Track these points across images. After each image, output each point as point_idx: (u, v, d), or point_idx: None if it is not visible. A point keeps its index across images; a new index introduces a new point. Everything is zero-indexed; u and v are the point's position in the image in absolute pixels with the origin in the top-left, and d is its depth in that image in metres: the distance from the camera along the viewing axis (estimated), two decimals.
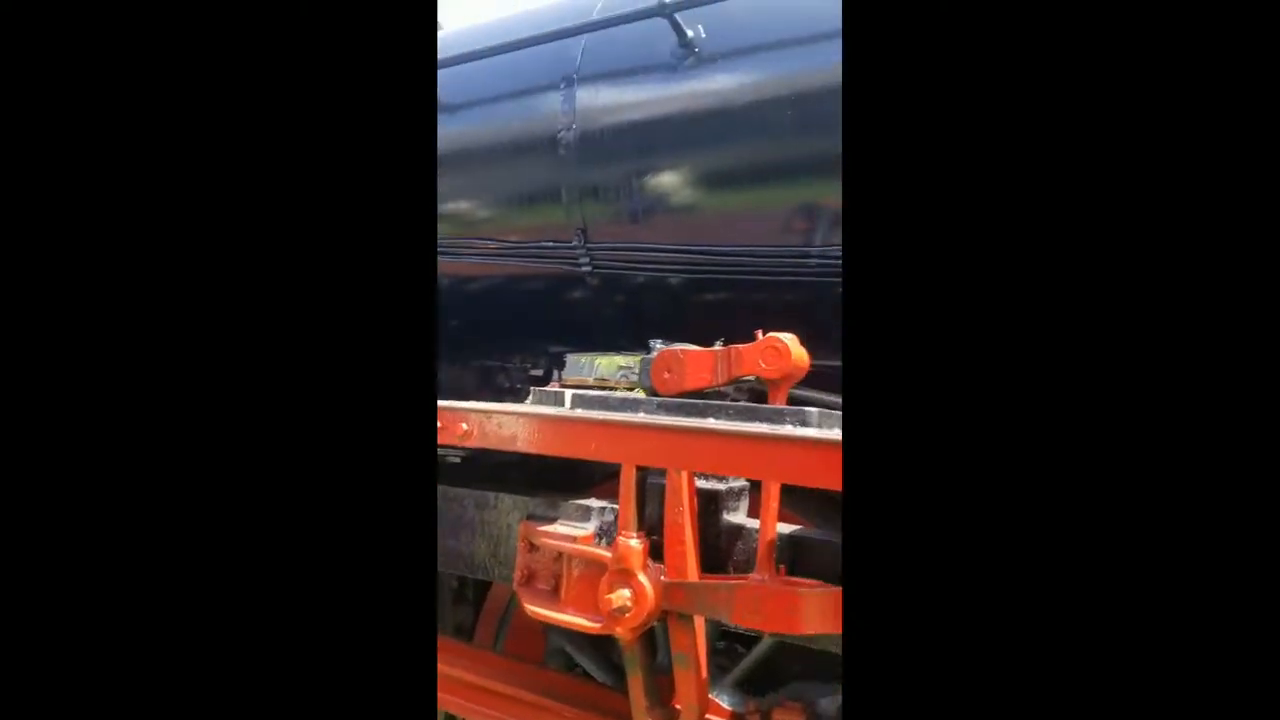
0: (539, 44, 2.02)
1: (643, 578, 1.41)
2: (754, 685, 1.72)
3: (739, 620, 1.37)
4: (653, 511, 1.51)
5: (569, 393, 1.68)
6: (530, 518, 1.62)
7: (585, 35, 1.99)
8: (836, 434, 1.33)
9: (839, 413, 1.45)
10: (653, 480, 1.54)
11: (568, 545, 1.51)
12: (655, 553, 1.47)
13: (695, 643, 1.46)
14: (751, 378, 1.53)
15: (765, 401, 1.53)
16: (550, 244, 2.08)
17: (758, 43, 1.79)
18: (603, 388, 2.08)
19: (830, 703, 1.62)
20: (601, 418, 1.46)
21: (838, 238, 1.75)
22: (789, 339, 1.50)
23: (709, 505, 1.54)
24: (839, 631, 1.35)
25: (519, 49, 2.06)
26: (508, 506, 1.73)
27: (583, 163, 1.97)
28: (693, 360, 1.56)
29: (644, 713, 1.50)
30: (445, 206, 2.19)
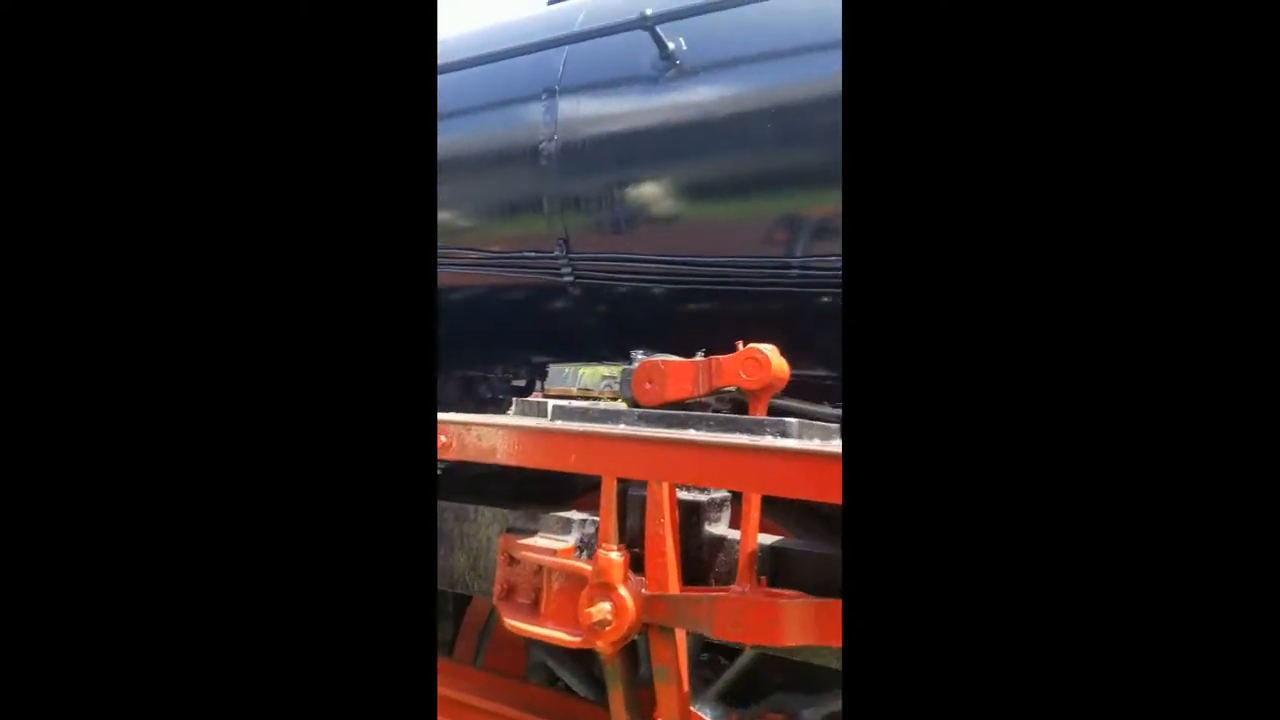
0: (521, 55, 2.03)
1: (623, 591, 1.39)
2: (736, 698, 1.71)
3: (720, 633, 1.36)
4: (634, 523, 1.50)
5: (552, 403, 1.67)
6: (510, 530, 1.61)
7: (567, 47, 2.00)
8: (816, 444, 1.33)
9: (819, 423, 1.46)
10: (634, 492, 1.53)
11: (548, 558, 1.50)
12: (637, 565, 1.46)
13: (677, 656, 1.45)
14: (733, 388, 1.53)
15: (747, 412, 1.53)
16: (532, 254, 2.07)
17: (738, 56, 1.81)
18: (587, 397, 2.07)
19: (813, 714, 1.61)
20: (581, 429, 1.45)
21: (818, 249, 1.76)
22: (769, 350, 1.51)
23: (690, 517, 1.53)
24: (820, 643, 1.35)
25: (501, 60, 2.07)
26: (487, 519, 1.71)
27: (564, 173, 1.98)
28: (674, 371, 1.56)
29: None
30: None
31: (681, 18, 1.80)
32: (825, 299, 1.82)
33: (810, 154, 1.74)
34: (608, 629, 1.38)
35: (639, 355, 1.62)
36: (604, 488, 1.45)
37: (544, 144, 1.98)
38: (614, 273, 1.96)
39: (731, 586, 1.40)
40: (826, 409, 2.28)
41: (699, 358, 1.56)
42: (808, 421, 1.41)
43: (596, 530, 1.49)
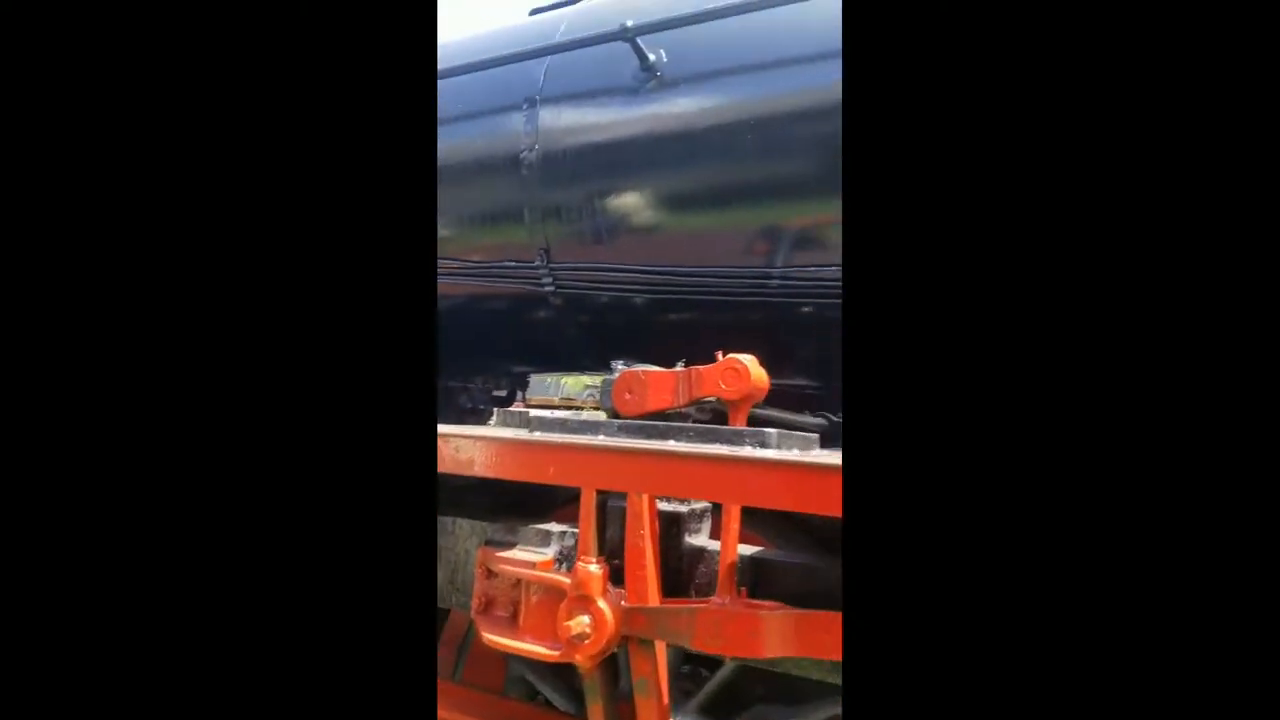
0: (502, 65, 2.03)
1: (602, 603, 1.38)
2: (717, 710, 1.70)
3: (700, 645, 1.36)
4: (614, 535, 1.49)
5: (533, 412, 1.66)
6: (488, 543, 1.59)
7: (548, 57, 2.00)
8: (795, 455, 1.33)
9: (798, 434, 1.46)
10: (614, 503, 1.52)
11: (526, 571, 1.48)
12: (616, 577, 1.45)
13: (656, 668, 1.44)
14: (712, 398, 1.53)
15: (727, 422, 1.53)
16: (513, 264, 2.06)
17: (719, 68, 1.82)
18: (569, 407, 2.06)
19: None
20: (560, 441, 1.44)
21: (798, 259, 1.77)
22: (749, 360, 1.51)
23: (671, 528, 1.52)
24: (801, 654, 1.35)
25: (482, 69, 2.06)
26: (465, 532, 1.69)
27: (545, 183, 1.97)
28: (654, 381, 1.55)
29: None
30: None
31: (662, 30, 1.81)
32: (805, 309, 1.83)
33: (790, 166, 1.75)
34: (586, 642, 1.37)
35: (619, 365, 1.61)
36: (583, 499, 1.45)
37: (525, 154, 1.98)
38: (595, 283, 1.95)
39: (712, 598, 1.39)
40: (808, 418, 2.29)
41: (679, 368, 1.56)
42: (787, 432, 1.41)
43: (576, 542, 1.48)
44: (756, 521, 1.63)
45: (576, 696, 1.83)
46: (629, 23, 1.80)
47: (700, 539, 1.56)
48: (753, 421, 1.57)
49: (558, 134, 1.95)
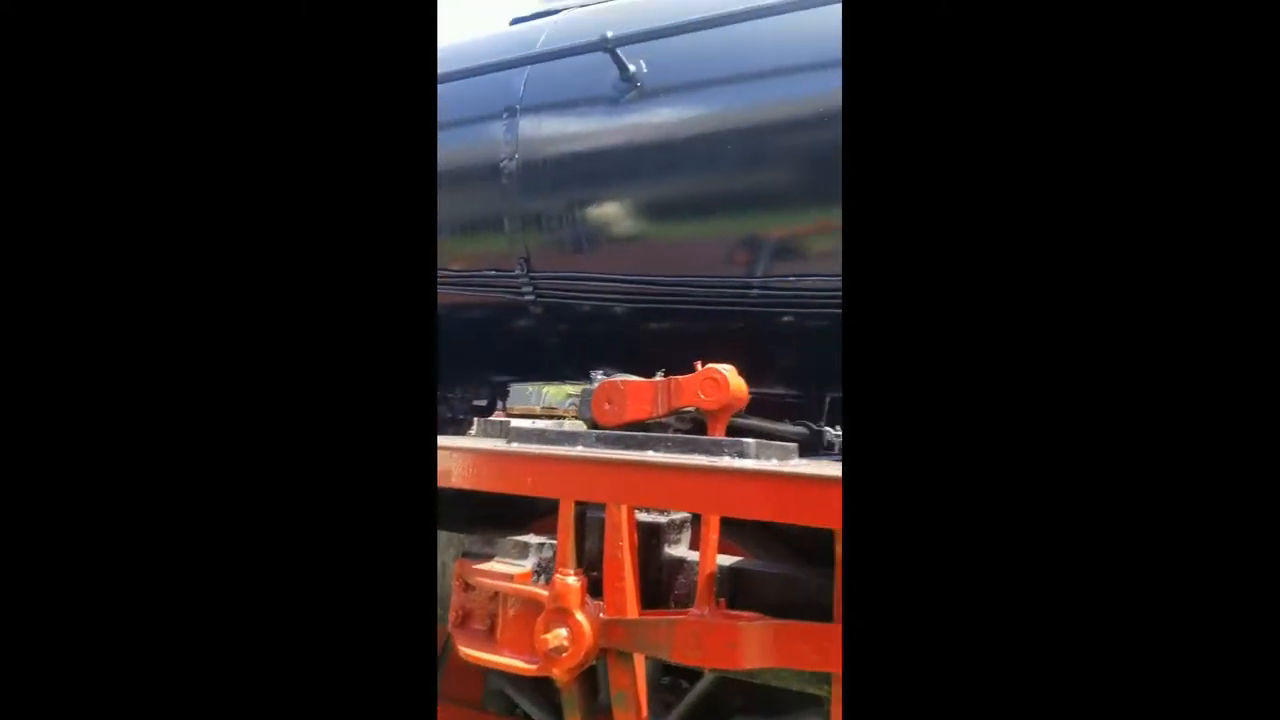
0: (482, 74, 2.02)
1: (580, 616, 1.37)
2: None
3: (678, 657, 1.35)
4: (593, 546, 1.48)
5: (514, 422, 1.65)
6: (466, 555, 1.57)
7: (529, 67, 2.00)
8: (773, 465, 1.33)
9: (777, 443, 1.46)
10: (594, 514, 1.51)
11: (503, 584, 1.47)
12: (595, 589, 1.44)
13: (635, 681, 1.43)
14: (692, 408, 1.53)
15: (707, 431, 1.53)
16: (493, 273, 2.05)
17: (698, 79, 1.83)
18: (551, 416, 2.05)
19: None
20: (538, 451, 1.43)
21: (778, 269, 1.78)
22: (728, 370, 1.51)
23: (650, 539, 1.52)
24: (780, 665, 1.34)
25: (462, 78, 2.06)
26: (443, 543, 1.67)
27: (525, 192, 1.97)
28: (633, 391, 1.55)
29: None
30: None
31: (642, 41, 1.81)
32: (786, 318, 1.84)
33: (770, 176, 1.76)
34: (564, 655, 1.36)
35: (598, 375, 1.61)
36: (561, 511, 1.44)
37: (505, 163, 1.97)
38: (575, 292, 1.95)
39: (690, 609, 1.38)
40: (788, 427, 2.30)
41: (658, 378, 1.56)
42: (766, 442, 1.41)
43: (555, 554, 1.47)
44: (736, 531, 1.62)
45: (555, 710, 1.81)
46: (609, 33, 1.81)
47: (680, 549, 1.56)
48: (733, 431, 1.57)
49: (538, 143, 1.95)
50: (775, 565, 1.53)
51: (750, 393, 2.21)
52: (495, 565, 1.51)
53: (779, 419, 2.30)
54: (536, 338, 2.09)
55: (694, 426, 1.61)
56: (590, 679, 1.51)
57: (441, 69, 2.10)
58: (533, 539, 1.55)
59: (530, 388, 1.90)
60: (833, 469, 1.31)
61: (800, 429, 2.34)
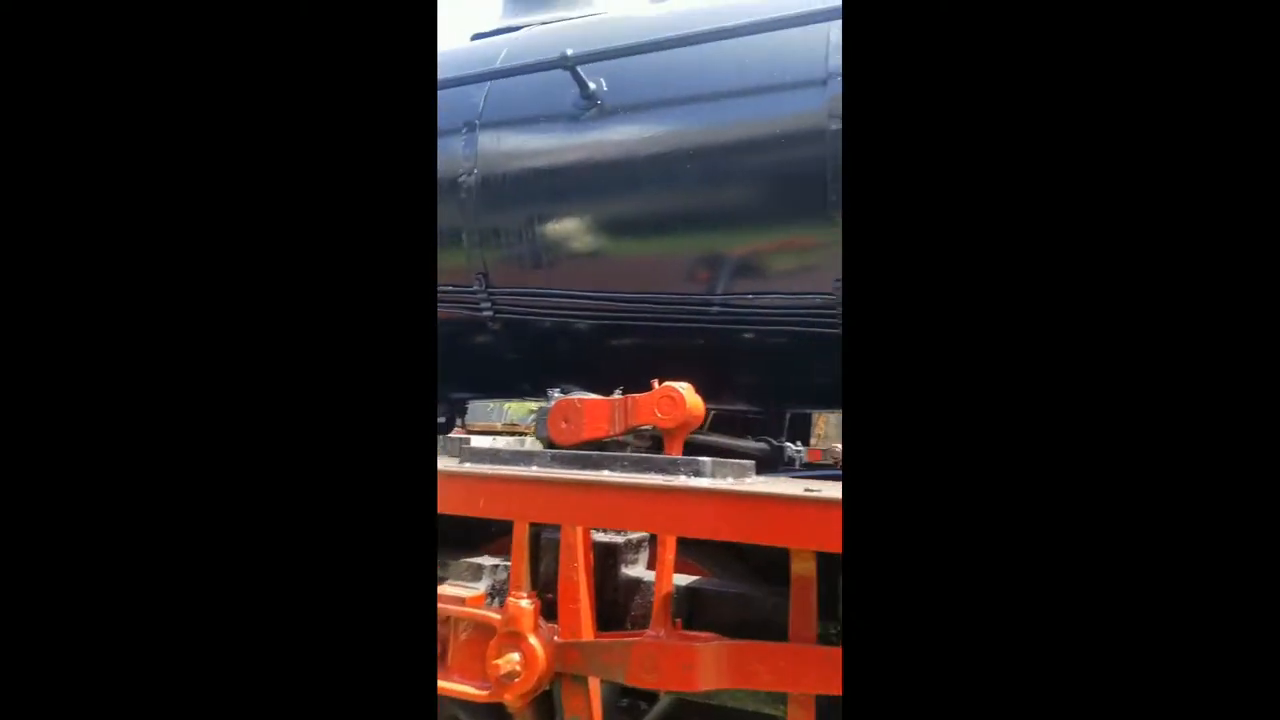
0: (443, 88, 2.01)
1: (533, 640, 1.34)
2: None
3: (634, 680, 1.33)
4: (548, 567, 1.45)
5: (475, 439, 1.62)
6: None
7: (489, 82, 1.99)
8: (729, 483, 1.33)
9: (734, 461, 1.46)
10: (549, 535, 1.49)
11: (454, 608, 1.43)
12: (551, 611, 1.41)
13: (590, 705, 1.40)
14: (649, 426, 1.52)
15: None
16: (451, 288, 2.03)
17: (659, 98, 1.84)
18: (513, 433, 1.99)
19: None
20: (491, 472, 1.41)
21: (739, 286, 1.79)
22: (684, 388, 1.51)
23: (606, 559, 1.50)
24: (735, 685, 1.33)
25: None
26: None
27: (484, 207, 1.95)
28: (590, 410, 1.54)
29: None
30: None
31: (602, 59, 1.82)
32: (747, 335, 1.85)
33: (730, 195, 1.78)
34: (517, 681, 1.33)
35: (555, 393, 1.59)
36: (515, 532, 1.41)
37: (463, 178, 1.96)
38: (534, 308, 1.93)
39: (646, 631, 1.37)
40: (749, 443, 2.31)
41: (616, 396, 1.55)
42: (722, 460, 1.41)
43: (509, 575, 1.44)
44: (695, 549, 1.62)
45: None
46: (569, 51, 1.81)
47: (637, 569, 1.54)
48: (693, 447, 1.57)
49: (497, 158, 1.94)
50: (732, 584, 1.52)
51: (712, 409, 2.21)
52: (447, 588, 1.47)
53: (740, 435, 2.31)
54: (495, 354, 2.07)
55: (653, 444, 1.60)
56: (545, 704, 1.48)
57: None
58: (487, 560, 1.52)
59: (491, 404, 1.88)
60: (789, 487, 1.31)
61: (761, 445, 2.35)
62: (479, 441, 1.67)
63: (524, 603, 1.37)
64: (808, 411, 2.88)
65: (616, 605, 1.48)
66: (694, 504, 1.27)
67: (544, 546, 1.47)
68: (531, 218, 1.90)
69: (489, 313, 1.99)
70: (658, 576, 1.39)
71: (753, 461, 1.50)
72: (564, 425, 1.54)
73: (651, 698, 1.72)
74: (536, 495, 1.35)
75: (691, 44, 1.76)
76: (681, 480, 1.32)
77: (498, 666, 1.33)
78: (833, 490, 1.25)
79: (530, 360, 2.06)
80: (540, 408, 1.61)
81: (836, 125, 1.64)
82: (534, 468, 1.42)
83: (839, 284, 1.71)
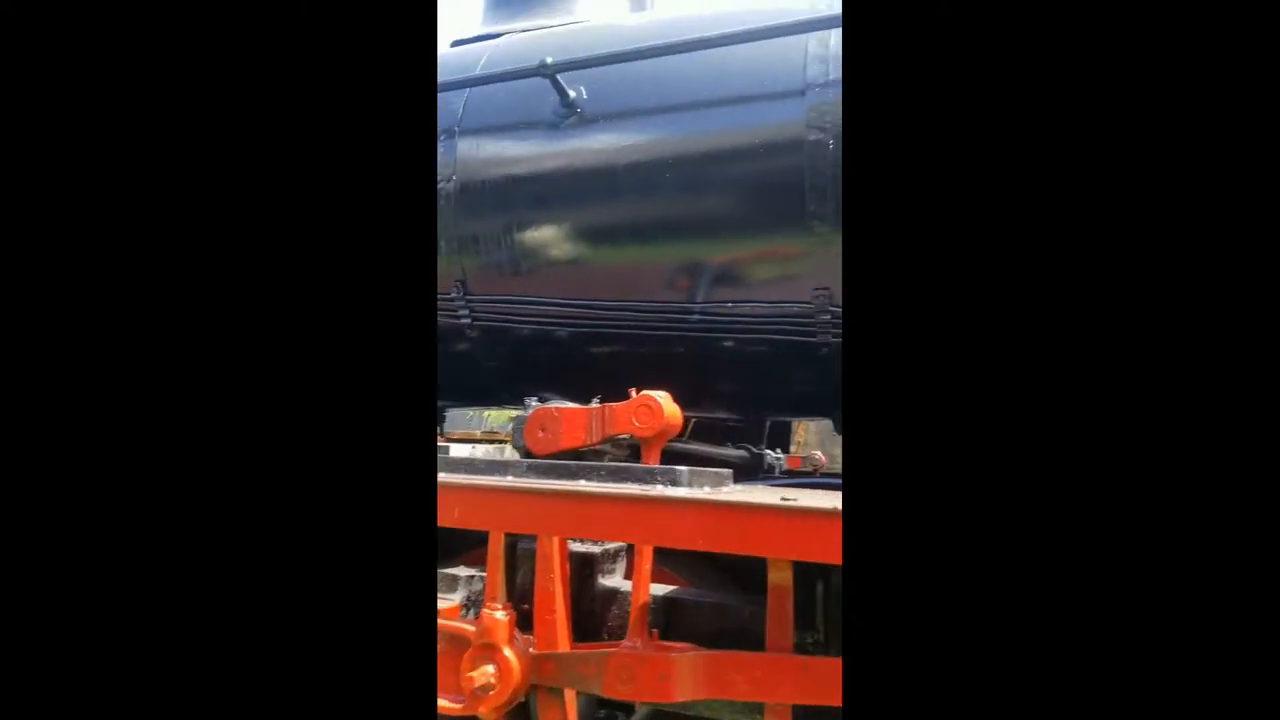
0: None
1: (508, 652, 1.33)
2: None
3: (609, 692, 1.32)
4: (525, 577, 1.44)
5: (454, 448, 1.60)
6: None
7: (468, 89, 1.98)
8: (705, 493, 1.33)
9: (711, 470, 1.46)
10: (526, 545, 1.48)
11: None
12: (526, 622, 1.40)
13: (565, 717, 1.39)
14: (626, 435, 1.52)
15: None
16: None
17: (639, 106, 1.85)
18: (492, 440, 1.99)
19: None
20: (466, 482, 1.39)
21: (719, 295, 1.79)
22: (662, 397, 1.51)
23: (583, 569, 1.49)
24: (712, 696, 1.33)
25: None
26: None
27: (462, 214, 1.94)
28: (567, 419, 1.53)
29: None
30: None
31: (581, 68, 1.82)
32: (727, 344, 1.86)
33: (709, 203, 1.78)
34: (491, 693, 1.31)
35: (532, 402, 1.58)
36: (491, 542, 1.40)
37: (442, 184, 1.94)
38: (513, 315, 1.92)
39: (622, 642, 1.36)
40: (729, 451, 2.31)
41: (594, 404, 1.55)
42: (699, 469, 1.41)
43: (484, 586, 1.43)
44: (673, 558, 1.61)
45: None
46: (549, 59, 1.81)
47: (614, 579, 1.53)
48: (672, 455, 1.56)
49: (476, 165, 1.93)
50: (709, 594, 1.52)
51: (693, 417, 2.21)
52: None
53: (720, 443, 2.32)
54: (473, 362, 2.06)
55: (631, 453, 1.60)
56: (521, 717, 1.47)
57: None
58: (462, 571, 1.50)
59: (470, 412, 1.86)
60: (765, 496, 1.31)
61: (741, 452, 2.35)
62: (458, 450, 1.65)
63: (499, 614, 1.36)
64: (787, 419, 2.90)
65: (593, 615, 1.47)
66: (670, 514, 1.26)
67: (520, 557, 1.45)
68: (510, 225, 1.90)
69: (467, 320, 1.98)
70: (634, 586, 1.38)
71: (730, 470, 1.50)
72: (541, 434, 1.53)
73: (629, 709, 1.71)
74: (512, 505, 1.34)
75: (671, 54, 1.77)
76: (658, 490, 1.32)
77: (472, 679, 1.31)
78: (809, 499, 1.25)
79: (509, 368, 2.04)
80: (517, 416, 1.59)
81: (815, 136, 1.65)
82: (509, 477, 1.41)
83: (817, 293, 1.72)
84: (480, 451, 2.28)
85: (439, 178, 1.95)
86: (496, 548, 1.39)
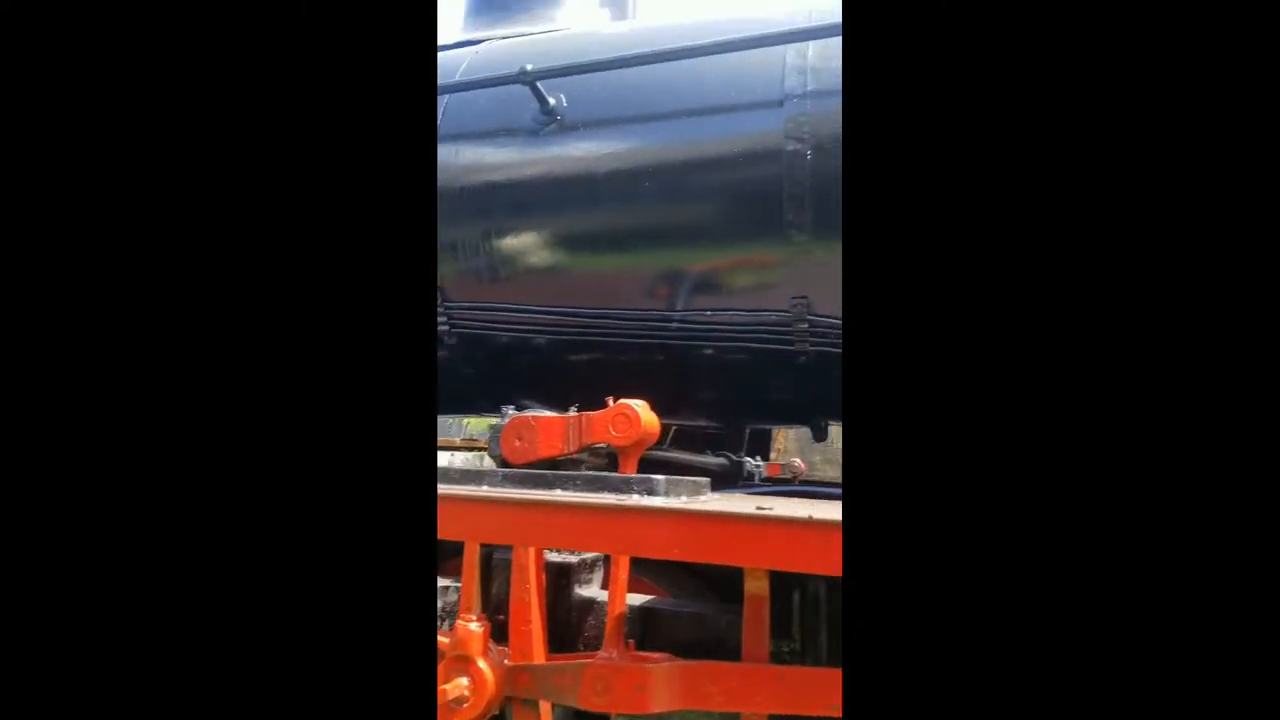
0: None
1: (482, 664, 1.32)
2: None
3: (585, 703, 1.31)
4: (501, 588, 1.43)
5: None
6: None
7: (447, 95, 1.98)
8: (682, 502, 1.32)
9: (689, 479, 1.46)
10: (501, 555, 1.46)
11: None
12: (501, 633, 1.38)
13: None
14: (603, 444, 1.52)
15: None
16: None
17: (619, 114, 1.85)
18: (472, 448, 1.97)
19: None
20: (441, 492, 1.38)
21: (698, 303, 1.80)
22: (639, 405, 1.51)
23: (560, 579, 1.48)
24: (688, 707, 1.32)
25: None
26: None
27: (441, 220, 1.93)
28: (544, 427, 1.52)
29: None
30: None
31: (561, 76, 1.82)
32: (707, 351, 1.86)
33: (689, 212, 1.79)
34: (466, 706, 1.30)
35: (509, 410, 1.57)
36: (466, 553, 1.38)
37: None
38: (491, 323, 1.91)
39: (598, 653, 1.35)
40: (708, 458, 2.31)
41: (572, 413, 1.54)
42: (675, 478, 1.41)
43: (459, 597, 1.41)
44: (651, 567, 1.61)
45: None
46: (529, 66, 1.81)
47: (591, 589, 1.52)
48: (651, 463, 1.56)
49: (455, 171, 1.92)
50: (686, 603, 1.52)
51: (674, 425, 2.21)
52: None
53: (700, 451, 2.32)
54: (451, 369, 2.04)
55: (610, 462, 1.59)
56: None
57: None
58: (438, 582, 1.49)
59: (450, 419, 1.84)
60: (741, 505, 1.31)
61: (721, 460, 2.36)
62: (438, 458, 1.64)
63: (473, 625, 1.35)
64: (767, 427, 2.91)
65: (569, 626, 1.46)
66: (646, 523, 1.26)
67: (496, 567, 1.44)
68: (489, 231, 1.89)
69: (445, 326, 1.96)
70: (610, 596, 1.38)
71: (708, 479, 1.50)
72: (518, 443, 1.52)
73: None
74: (488, 515, 1.33)
75: (651, 63, 1.77)
76: (634, 499, 1.31)
77: (445, 692, 1.30)
78: (784, 508, 1.26)
79: (487, 375, 2.03)
80: (494, 425, 1.58)
81: (793, 146, 1.66)
82: (485, 487, 1.40)
83: (795, 302, 1.73)
84: (459, 459, 2.27)
85: None
86: (472, 558, 1.38)
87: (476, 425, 1.94)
